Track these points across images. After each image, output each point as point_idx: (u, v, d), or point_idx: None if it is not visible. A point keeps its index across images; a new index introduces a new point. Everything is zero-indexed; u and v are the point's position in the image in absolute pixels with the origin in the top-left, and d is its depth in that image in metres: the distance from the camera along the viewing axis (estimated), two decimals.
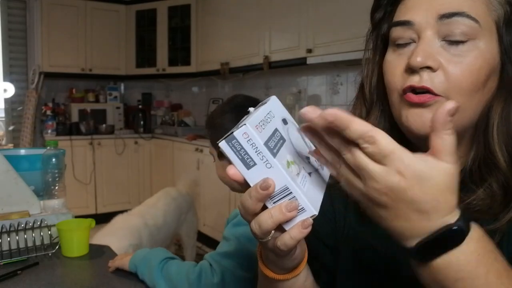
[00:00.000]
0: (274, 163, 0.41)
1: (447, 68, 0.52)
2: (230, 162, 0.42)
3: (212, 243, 3.47)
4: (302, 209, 0.42)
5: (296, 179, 0.43)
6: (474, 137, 0.57)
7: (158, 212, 2.39)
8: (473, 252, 0.40)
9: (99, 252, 1.19)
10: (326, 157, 0.43)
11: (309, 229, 0.43)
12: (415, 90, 0.53)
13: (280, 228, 0.44)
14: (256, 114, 0.44)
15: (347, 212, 0.66)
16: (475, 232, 0.41)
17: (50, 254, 1.13)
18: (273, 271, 0.53)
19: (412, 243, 0.41)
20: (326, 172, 0.52)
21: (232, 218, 1.15)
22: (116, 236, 2.05)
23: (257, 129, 0.41)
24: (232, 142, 0.41)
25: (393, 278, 0.60)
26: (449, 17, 0.52)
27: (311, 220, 0.43)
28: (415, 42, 0.55)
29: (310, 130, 0.42)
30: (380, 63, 0.61)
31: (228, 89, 4.35)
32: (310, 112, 0.41)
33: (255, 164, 0.41)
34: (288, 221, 0.43)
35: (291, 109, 3.26)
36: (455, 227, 0.39)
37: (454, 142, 0.39)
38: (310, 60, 2.83)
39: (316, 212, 0.43)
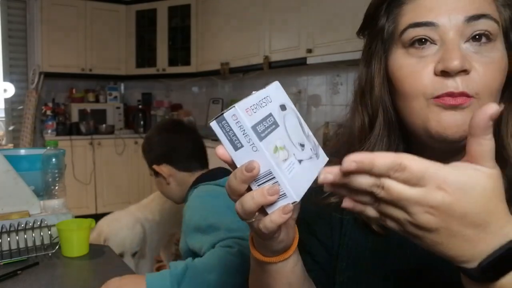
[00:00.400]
0: (259, 146, 0.42)
1: (479, 70, 0.51)
2: (220, 143, 0.44)
3: None
4: (284, 195, 0.43)
5: (281, 164, 0.44)
6: None
7: (154, 209, 2.42)
8: None
9: (99, 252, 1.19)
10: (362, 201, 0.40)
11: (289, 214, 0.44)
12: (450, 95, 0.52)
13: (264, 211, 0.45)
14: (250, 98, 0.45)
15: (343, 214, 0.65)
16: None
17: (50, 254, 1.13)
18: (261, 253, 0.54)
19: (474, 264, 0.37)
20: (320, 161, 0.52)
21: (186, 224, 1.19)
22: (124, 213, 2.08)
23: (246, 112, 0.42)
24: (222, 123, 0.43)
25: (390, 279, 0.60)
26: (477, 19, 0.52)
27: (291, 206, 0.43)
28: (435, 44, 0.53)
29: (333, 186, 0.40)
30: (383, 69, 0.59)
31: (228, 89, 4.35)
32: (329, 175, 0.38)
33: (242, 146, 0.43)
34: (270, 204, 0.44)
35: None
36: None
37: (493, 147, 0.37)
38: (310, 60, 2.83)
39: (297, 199, 0.44)
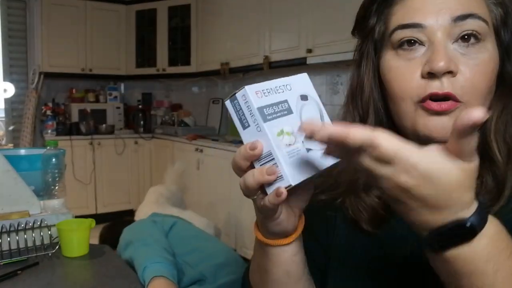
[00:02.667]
0: (262, 127, 0.44)
1: (465, 72, 0.51)
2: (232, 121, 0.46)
3: None
4: (281, 177, 0.45)
5: (283, 148, 0.45)
6: None
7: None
8: (483, 249, 0.40)
9: (99, 252, 1.19)
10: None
11: (282, 197, 0.44)
12: (435, 97, 0.52)
13: (265, 190, 0.47)
14: (266, 82, 0.47)
15: (337, 213, 0.66)
16: (490, 228, 0.40)
17: (50, 254, 1.13)
18: (263, 235, 0.55)
19: (425, 233, 0.42)
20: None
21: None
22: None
23: (256, 94, 0.45)
24: (234, 102, 0.46)
25: (383, 281, 0.60)
26: (463, 19, 0.51)
27: (283, 190, 0.44)
28: (423, 45, 0.53)
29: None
30: (374, 70, 0.60)
31: (228, 89, 4.34)
32: (310, 128, 0.40)
33: (249, 125, 0.45)
34: (269, 184, 0.45)
35: None
36: (467, 223, 0.39)
37: (474, 144, 0.38)
38: (310, 60, 2.83)
39: (292, 183, 0.44)
